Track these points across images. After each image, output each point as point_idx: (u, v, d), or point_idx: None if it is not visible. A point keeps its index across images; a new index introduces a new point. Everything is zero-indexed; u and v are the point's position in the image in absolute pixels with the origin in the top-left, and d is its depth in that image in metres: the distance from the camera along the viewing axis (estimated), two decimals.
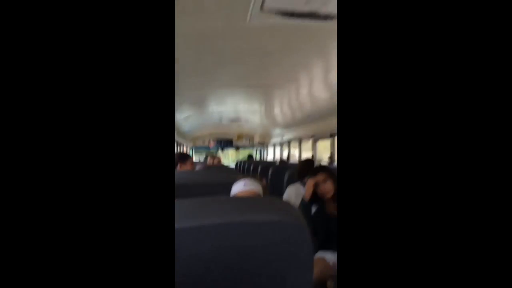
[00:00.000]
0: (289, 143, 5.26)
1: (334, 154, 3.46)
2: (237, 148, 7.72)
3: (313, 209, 1.47)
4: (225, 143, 7.49)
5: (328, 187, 1.45)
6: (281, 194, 2.09)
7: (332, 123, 3.29)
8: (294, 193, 1.86)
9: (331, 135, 3.41)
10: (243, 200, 0.74)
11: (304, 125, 4.12)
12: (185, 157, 1.95)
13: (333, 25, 1.35)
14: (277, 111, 4.09)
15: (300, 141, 4.60)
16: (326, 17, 1.30)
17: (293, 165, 2.81)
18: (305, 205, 1.47)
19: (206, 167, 2.61)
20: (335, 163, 3.29)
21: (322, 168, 1.54)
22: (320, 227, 1.45)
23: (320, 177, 1.46)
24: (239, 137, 7.27)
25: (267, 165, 3.21)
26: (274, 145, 6.43)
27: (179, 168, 1.84)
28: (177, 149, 5.26)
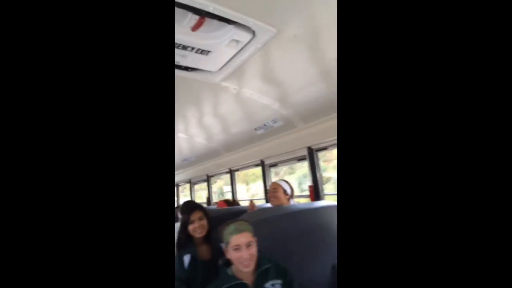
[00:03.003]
0: None
1: (211, 196, 3.50)
2: None
3: (186, 259, 1.42)
4: None
5: (203, 224, 1.44)
6: None
7: (207, 167, 3.37)
8: None
9: (208, 178, 3.48)
10: None
11: (181, 170, 4.05)
12: None
13: (195, 75, 1.46)
14: None
15: (177, 186, 4.46)
16: (186, 68, 1.40)
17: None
18: (178, 257, 1.40)
19: None
20: (211, 205, 3.33)
21: (198, 207, 1.52)
22: (195, 275, 1.40)
23: (196, 215, 1.44)
24: None
25: None
26: None
27: None
28: None
